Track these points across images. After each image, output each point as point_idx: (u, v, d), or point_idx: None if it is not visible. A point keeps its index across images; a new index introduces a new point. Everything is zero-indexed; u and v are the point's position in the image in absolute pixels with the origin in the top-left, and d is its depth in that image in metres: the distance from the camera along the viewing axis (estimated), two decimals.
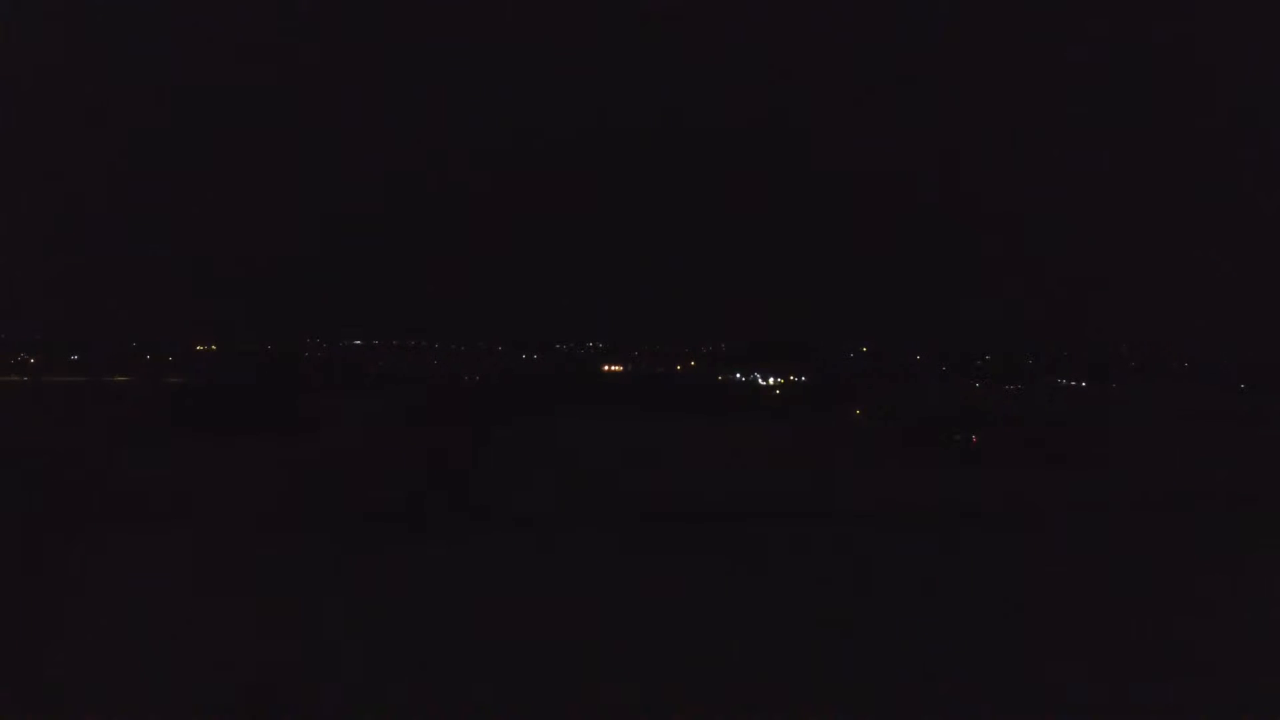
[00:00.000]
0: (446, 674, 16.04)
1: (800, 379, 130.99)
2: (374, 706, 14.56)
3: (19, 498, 29.27)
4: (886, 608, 20.57)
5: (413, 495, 33.35)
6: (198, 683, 15.17)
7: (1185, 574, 24.27)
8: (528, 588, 21.77)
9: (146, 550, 24.38)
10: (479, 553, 25.61)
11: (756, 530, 29.35)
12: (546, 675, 15.95)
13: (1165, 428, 68.64)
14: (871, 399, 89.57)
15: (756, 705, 14.89)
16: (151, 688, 14.98)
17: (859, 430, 67.13)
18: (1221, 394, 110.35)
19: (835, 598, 21.37)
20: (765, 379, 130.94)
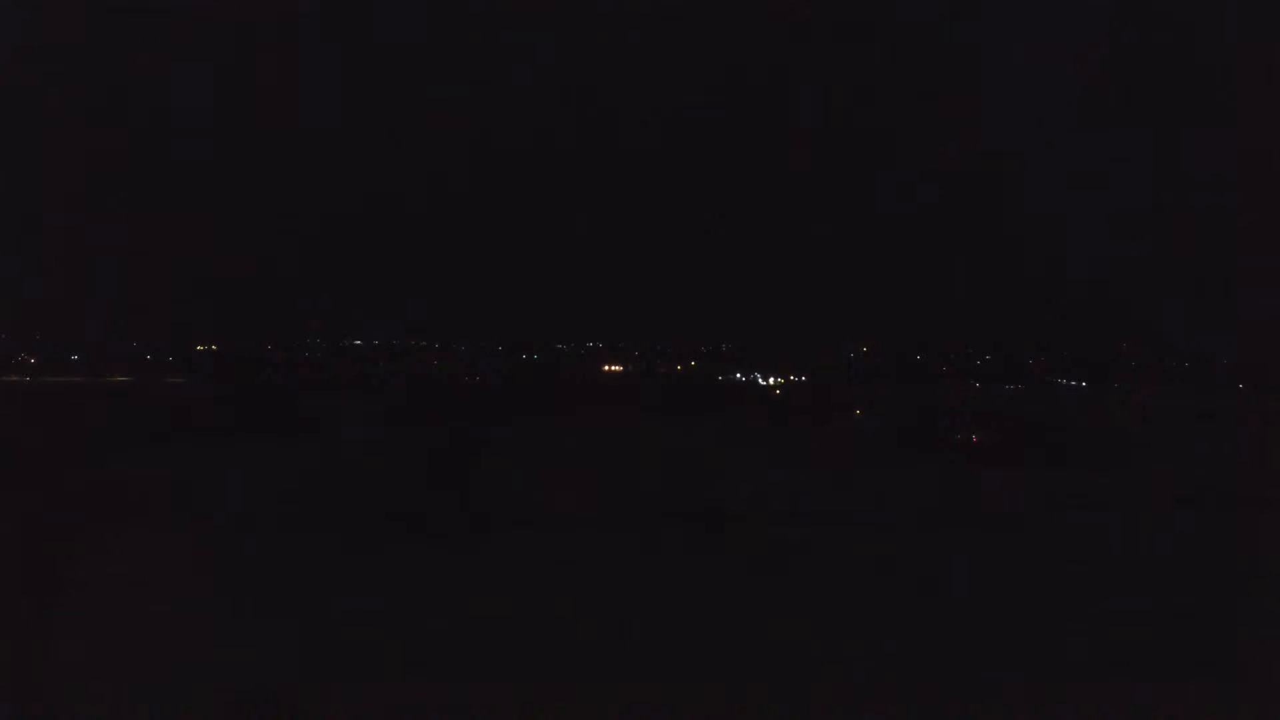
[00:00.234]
0: (446, 674, 16.03)
1: (800, 379, 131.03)
2: (374, 707, 14.55)
3: (19, 498, 29.24)
4: (886, 608, 20.56)
5: (412, 496, 33.34)
6: (196, 684, 15.15)
7: (1186, 574, 24.25)
8: (528, 588, 21.76)
9: (145, 551, 24.36)
10: (479, 553, 25.60)
11: (757, 531, 29.35)
12: (546, 675, 15.94)
13: (1165, 428, 68.65)
14: (871, 399, 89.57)
15: (756, 706, 14.88)
16: (150, 688, 14.97)
17: (859, 430, 67.12)
18: (1221, 394, 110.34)
19: (835, 598, 21.36)
20: (765, 379, 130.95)
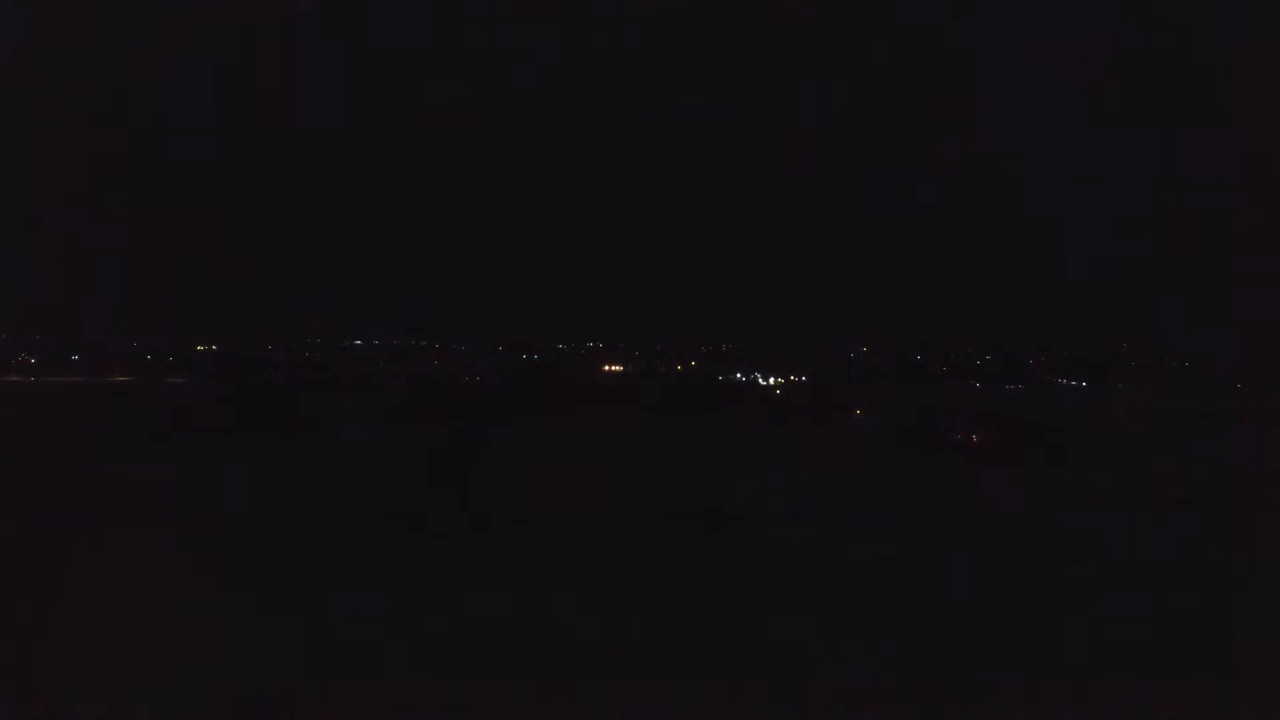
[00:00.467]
0: (446, 674, 16.03)
1: (800, 379, 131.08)
2: (374, 707, 14.55)
3: (19, 498, 29.24)
4: (886, 608, 20.56)
5: (412, 496, 33.35)
6: (196, 684, 15.15)
7: (1186, 574, 24.25)
8: (528, 588, 21.76)
9: (145, 551, 24.37)
10: (479, 553, 25.60)
11: (757, 531, 29.36)
12: (546, 675, 15.94)
13: (1165, 428, 68.65)
14: (871, 399, 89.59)
15: (756, 706, 14.88)
16: (150, 688, 14.97)
17: (859, 430, 67.13)
18: (1221, 394, 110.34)
19: (835, 598, 21.36)
20: (765, 379, 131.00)
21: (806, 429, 65.72)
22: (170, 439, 50.42)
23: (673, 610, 20.01)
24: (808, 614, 19.94)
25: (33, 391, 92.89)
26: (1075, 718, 14.72)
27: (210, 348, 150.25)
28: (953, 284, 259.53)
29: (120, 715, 14.01)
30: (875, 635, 18.48)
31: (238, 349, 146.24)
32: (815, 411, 77.40)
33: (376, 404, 73.64)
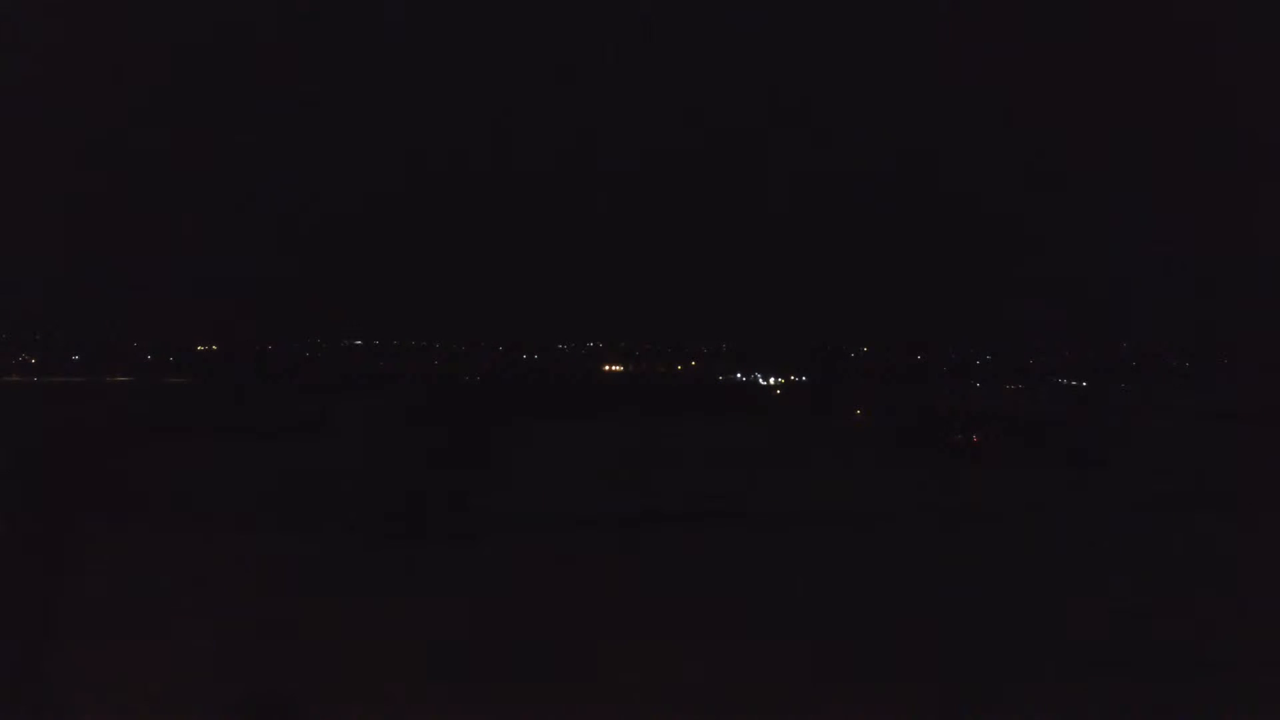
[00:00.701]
0: (446, 674, 16.04)
1: (801, 379, 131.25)
2: (373, 707, 14.55)
3: (19, 498, 29.26)
4: (885, 608, 20.56)
5: (412, 496, 33.36)
6: (193, 684, 15.15)
7: (1186, 574, 24.25)
8: (527, 588, 21.76)
9: (145, 551, 24.37)
10: (479, 553, 25.61)
11: (756, 530, 29.37)
12: (546, 675, 15.94)
13: (1165, 428, 68.65)
14: (872, 399, 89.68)
15: (755, 706, 14.88)
16: (149, 689, 14.97)
17: (859, 430, 67.18)
18: (1222, 394, 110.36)
19: (834, 598, 21.36)
20: (766, 379, 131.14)
21: (806, 429, 65.75)
22: (170, 439, 50.46)
23: (672, 610, 20.00)
24: (807, 614, 19.94)
25: (33, 391, 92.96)
26: (1075, 718, 14.71)
27: (210, 348, 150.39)
28: (953, 284, 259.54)
29: (119, 716, 14.01)
30: (874, 635, 18.47)
31: (238, 349, 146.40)
32: (815, 411, 77.47)
33: (377, 404, 73.68)
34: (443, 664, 16.42)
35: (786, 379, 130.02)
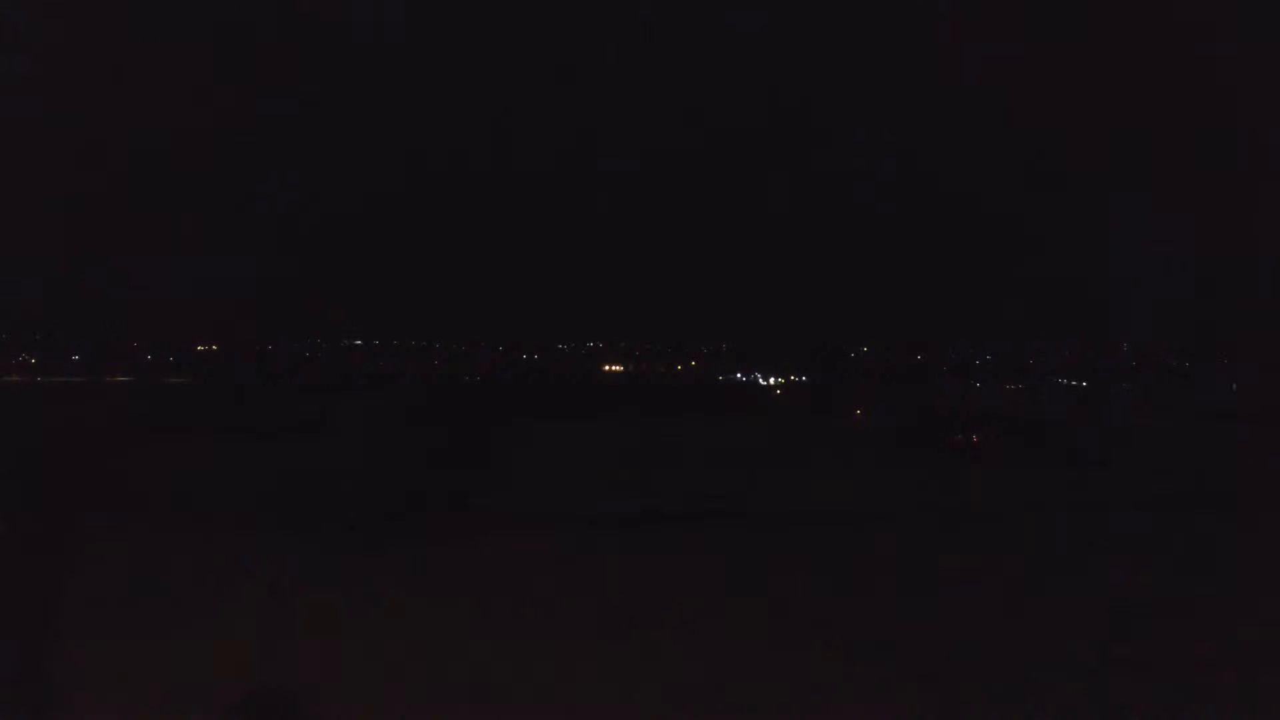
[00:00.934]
0: (445, 674, 16.04)
1: (801, 379, 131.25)
2: (372, 707, 14.55)
3: (19, 498, 29.26)
4: (885, 608, 20.57)
5: (412, 496, 33.38)
6: (193, 684, 15.16)
7: (1186, 574, 24.25)
8: (527, 588, 21.76)
9: (144, 551, 24.38)
10: (478, 553, 25.60)
11: (757, 531, 29.37)
12: (545, 675, 15.94)
13: (1165, 428, 68.65)
14: (872, 399, 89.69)
15: (756, 706, 14.89)
16: (149, 689, 14.98)
17: (859, 430, 67.18)
18: (1222, 394, 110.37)
19: (833, 598, 21.37)
20: (766, 379, 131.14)
21: (806, 428, 65.75)
22: (170, 439, 50.47)
23: (671, 610, 20.00)
24: (806, 614, 19.95)
25: (33, 391, 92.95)
26: (1075, 718, 14.71)
27: (210, 348, 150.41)
28: (953, 284, 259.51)
29: (119, 716, 14.01)
30: (874, 635, 18.47)
31: (238, 349, 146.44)
32: (815, 411, 77.48)
33: (377, 404, 73.68)
34: (443, 664, 16.43)
35: (786, 379, 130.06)
